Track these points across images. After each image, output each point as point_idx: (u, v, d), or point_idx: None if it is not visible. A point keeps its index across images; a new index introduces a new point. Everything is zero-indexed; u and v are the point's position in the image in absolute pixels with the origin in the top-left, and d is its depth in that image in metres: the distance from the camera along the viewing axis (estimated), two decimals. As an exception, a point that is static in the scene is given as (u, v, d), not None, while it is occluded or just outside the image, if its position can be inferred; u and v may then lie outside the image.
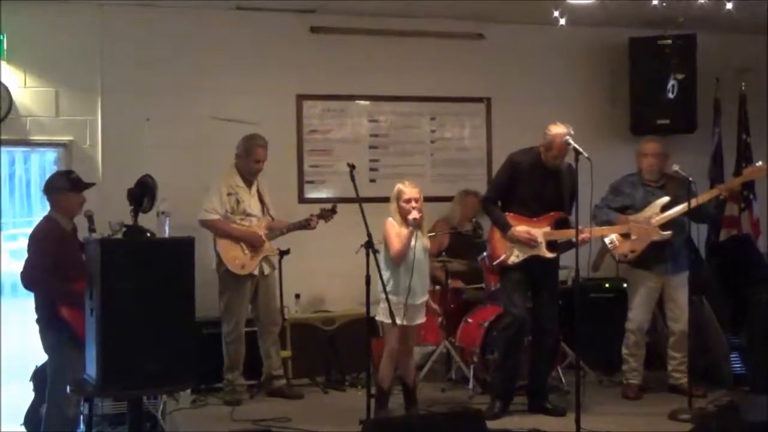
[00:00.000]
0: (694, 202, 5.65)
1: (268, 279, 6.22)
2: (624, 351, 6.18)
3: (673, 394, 6.00)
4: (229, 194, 6.12)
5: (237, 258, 6.07)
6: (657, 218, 5.87)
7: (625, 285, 6.46)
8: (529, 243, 5.53)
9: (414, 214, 5.18)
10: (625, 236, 5.95)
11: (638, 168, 6.23)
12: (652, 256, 5.96)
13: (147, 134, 6.69)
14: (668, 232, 5.83)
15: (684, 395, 5.62)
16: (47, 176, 5.50)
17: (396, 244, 5.21)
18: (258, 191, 6.26)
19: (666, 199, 5.92)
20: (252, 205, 6.19)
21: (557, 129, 5.44)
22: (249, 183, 6.20)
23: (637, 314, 6.11)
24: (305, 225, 6.24)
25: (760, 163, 6.16)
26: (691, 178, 5.64)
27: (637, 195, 6.11)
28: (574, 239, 5.25)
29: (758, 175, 6.10)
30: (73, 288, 4.62)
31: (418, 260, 5.27)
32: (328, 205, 6.31)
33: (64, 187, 5.04)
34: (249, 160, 6.15)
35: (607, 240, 5.99)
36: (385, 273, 5.16)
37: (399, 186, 5.35)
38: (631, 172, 6.27)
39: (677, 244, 5.99)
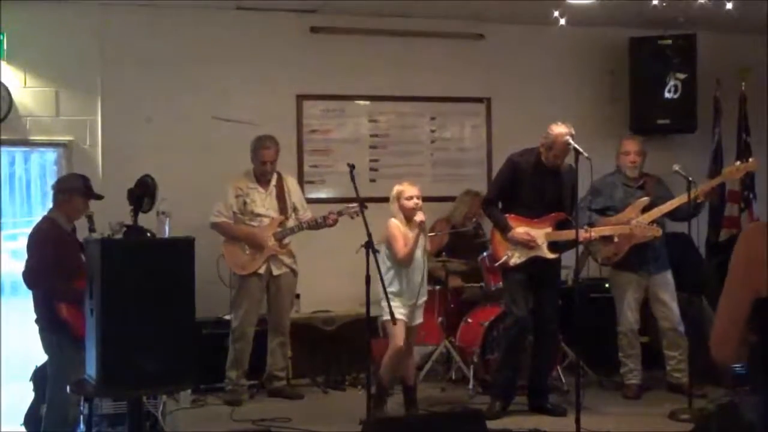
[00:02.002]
0: (676, 203, 5.75)
1: (279, 280, 6.19)
2: (619, 354, 6.18)
3: (673, 393, 6.00)
4: (237, 196, 6.14)
5: (238, 259, 6.09)
6: (637, 219, 5.86)
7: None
8: (529, 244, 5.53)
9: (420, 216, 5.19)
10: (607, 239, 5.95)
11: (617, 167, 6.22)
12: (635, 258, 5.98)
13: (147, 134, 6.69)
14: (650, 234, 5.81)
15: (684, 395, 5.63)
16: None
17: (402, 247, 5.21)
18: (280, 190, 6.23)
19: (646, 199, 5.92)
20: (267, 205, 6.18)
21: (559, 129, 5.42)
22: (264, 183, 6.20)
23: (626, 316, 6.12)
24: (322, 223, 6.16)
25: (738, 162, 6.16)
26: (691, 178, 5.64)
27: (617, 195, 6.11)
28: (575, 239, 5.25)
29: (735, 176, 6.12)
30: (75, 287, 4.62)
31: (418, 261, 5.29)
32: (353, 205, 5.99)
33: (78, 189, 5.05)
34: (256, 161, 6.16)
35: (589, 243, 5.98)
36: (387, 274, 5.17)
37: (397, 187, 5.36)
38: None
39: (658, 245, 6.01)
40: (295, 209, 6.29)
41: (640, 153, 6.14)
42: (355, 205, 6.00)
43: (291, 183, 6.36)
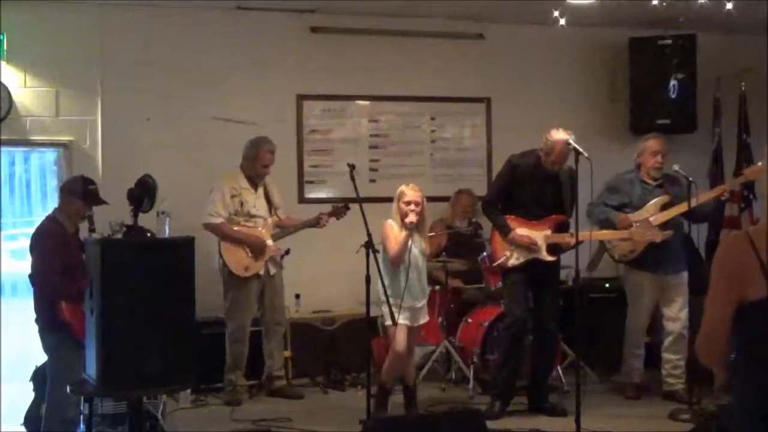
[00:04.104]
0: (694, 202, 5.64)
1: (274, 279, 6.22)
2: (624, 351, 6.16)
3: (669, 401, 5.88)
4: (233, 196, 6.11)
5: (240, 261, 6.07)
6: (656, 217, 5.85)
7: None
8: (530, 247, 5.53)
9: (410, 218, 5.17)
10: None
11: (637, 165, 6.17)
12: (651, 257, 5.93)
13: (147, 134, 6.69)
14: (669, 232, 5.78)
15: (679, 402, 5.63)
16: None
17: (393, 247, 5.20)
18: (265, 191, 6.24)
19: (665, 197, 5.89)
20: (258, 206, 6.18)
21: (558, 135, 5.42)
22: (254, 184, 6.20)
23: (637, 314, 6.09)
24: (314, 223, 6.22)
25: (761, 163, 6.15)
26: (691, 178, 5.64)
27: (635, 193, 6.06)
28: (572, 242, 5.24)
29: (758, 175, 6.09)
30: (76, 287, 4.61)
31: (415, 262, 5.27)
32: (339, 204, 6.27)
33: (75, 192, 5.03)
34: (256, 163, 6.14)
35: (605, 240, 5.98)
36: (387, 274, 5.16)
37: (402, 187, 5.34)
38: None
39: (675, 245, 5.97)
40: (276, 209, 6.30)
41: (665, 153, 6.04)
42: (342, 204, 6.11)
43: (272, 184, 6.34)
